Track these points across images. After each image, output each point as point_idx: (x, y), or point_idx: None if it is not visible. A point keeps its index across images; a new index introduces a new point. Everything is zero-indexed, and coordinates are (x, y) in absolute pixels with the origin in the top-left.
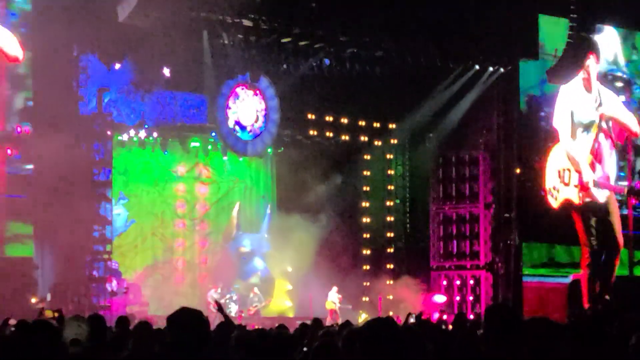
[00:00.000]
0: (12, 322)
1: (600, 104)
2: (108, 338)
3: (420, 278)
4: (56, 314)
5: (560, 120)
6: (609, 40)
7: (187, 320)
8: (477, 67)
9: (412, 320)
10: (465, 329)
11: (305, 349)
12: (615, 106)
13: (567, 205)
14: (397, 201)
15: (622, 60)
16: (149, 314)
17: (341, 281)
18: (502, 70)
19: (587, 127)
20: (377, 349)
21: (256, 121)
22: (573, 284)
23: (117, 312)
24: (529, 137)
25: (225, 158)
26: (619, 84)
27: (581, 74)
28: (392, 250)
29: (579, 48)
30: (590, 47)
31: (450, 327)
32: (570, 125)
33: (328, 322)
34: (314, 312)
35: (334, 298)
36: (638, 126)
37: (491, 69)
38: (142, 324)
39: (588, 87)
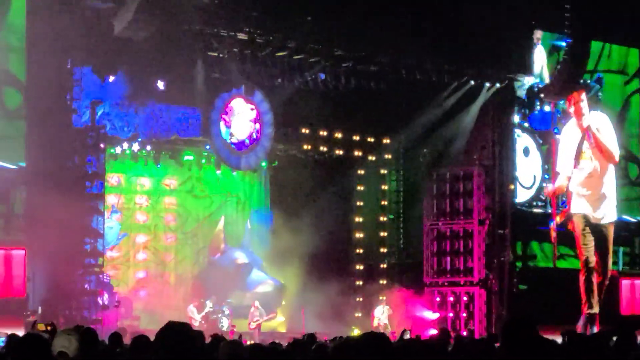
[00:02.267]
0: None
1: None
2: (98, 352)
3: (413, 294)
4: (49, 327)
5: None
6: (537, 55)
7: (174, 336)
8: (472, 82)
9: (407, 336)
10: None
11: None
12: (602, 131)
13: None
14: (391, 216)
15: (546, 74)
16: (140, 327)
17: (333, 296)
18: (497, 85)
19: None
20: None
21: (250, 135)
22: None
23: (108, 326)
24: None
25: (218, 172)
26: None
27: (572, 108)
28: (385, 266)
29: (574, 65)
30: (585, 65)
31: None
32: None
33: None
34: (305, 327)
35: (378, 314)
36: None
37: (487, 84)
38: (139, 338)
39: (579, 119)
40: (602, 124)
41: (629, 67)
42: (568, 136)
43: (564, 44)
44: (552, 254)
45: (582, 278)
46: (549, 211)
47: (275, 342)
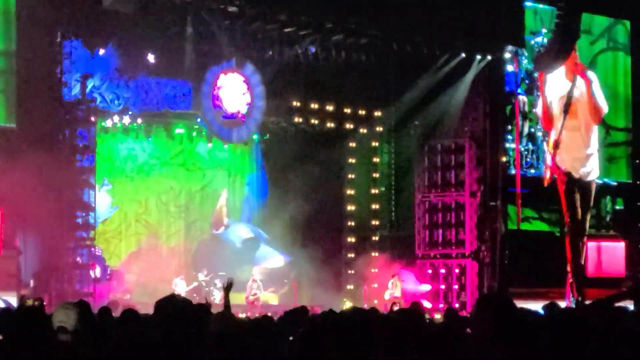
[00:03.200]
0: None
1: (573, 91)
2: (97, 325)
3: (405, 267)
4: (36, 303)
5: (540, 109)
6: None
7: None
8: (463, 54)
9: (396, 308)
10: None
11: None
12: (588, 90)
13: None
14: (383, 189)
15: None
16: (133, 300)
17: (325, 269)
18: (489, 57)
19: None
20: (358, 338)
21: (241, 108)
22: None
23: (101, 298)
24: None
25: (209, 145)
26: None
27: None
28: (377, 238)
29: (566, 37)
30: (576, 37)
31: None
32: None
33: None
34: (298, 300)
35: (390, 287)
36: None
37: (478, 56)
38: (128, 312)
39: (569, 75)
40: (594, 80)
41: (594, 27)
42: (554, 92)
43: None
44: (516, 217)
45: (567, 238)
46: (512, 172)
47: (268, 315)
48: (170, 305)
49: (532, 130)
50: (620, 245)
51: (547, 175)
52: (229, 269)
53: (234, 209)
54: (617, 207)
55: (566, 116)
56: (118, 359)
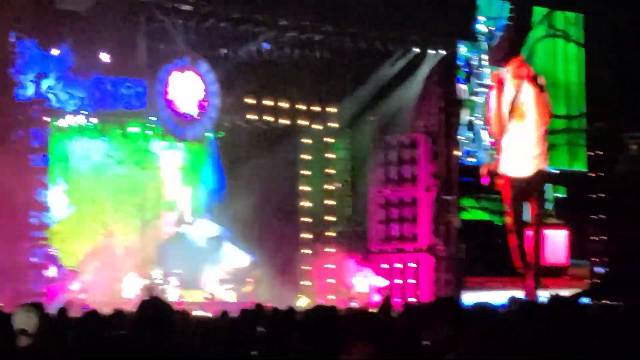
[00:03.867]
0: None
1: (520, 97)
2: (55, 326)
3: (361, 262)
4: None
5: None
6: None
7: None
8: (416, 50)
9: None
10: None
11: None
12: (538, 96)
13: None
14: (339, 185)
15: None
16: (89, 300)
17: (281, 266)
18: (442, 52)
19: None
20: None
21: (196, 106)
22: None
23: (55, 299)
24: None
25: (165, 143)
26: None
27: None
28: (333, 234)
29: (519, 29)
30: (529, 29)
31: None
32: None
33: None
34: (256, 297)
35: (357, 283)
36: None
37: (431, 51)
38: (90, 313)
39: (515, 80)
40: (544, 83)
41: (533, 15)
42: (500, 97)
43: None
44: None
45: (512, 239)
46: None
47: (226, 313)
48: (153, 308)
49: (471, 118)
50: (563, 234)
51: (484, 172)
52: (191, 267)
53: (192, 207)
54: (559, 195)
55: (511, 120)
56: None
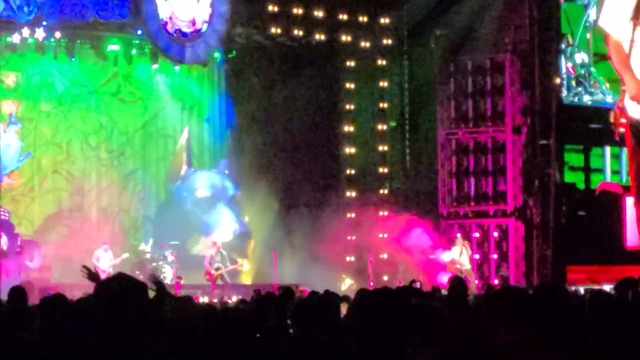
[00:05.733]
0: None
1: None
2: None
3: (425, 229)
4: None
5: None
6: None
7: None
8: None
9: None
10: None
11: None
12: None
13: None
14: (392, 124)
15: None
16: (53, 281)
17: (315, 234)
18: None
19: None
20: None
21: (198, 16)
22: None
23: (10, 278)
24: None
25: (154, 66)
26: None
27: None
28: (386, 191)
29: None
30: None
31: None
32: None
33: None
34: (279, 277)
35: (455, 256)
36: None
37: None
38: (51, 298)
39: None
40: None
41: None
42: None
43: None
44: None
45: (634, 202)
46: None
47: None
48: (113, 289)
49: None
50: None
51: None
52: (179, 238)
53: (189, 153)
54: None
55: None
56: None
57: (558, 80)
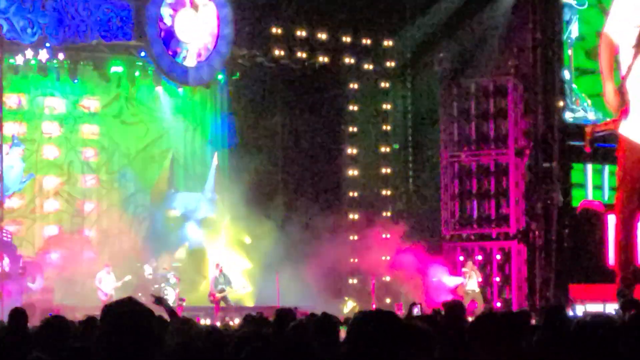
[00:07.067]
0: None
1: None
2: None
3: (427, 253)
4: None
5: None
6: None
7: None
8: None
9: (416, 311)
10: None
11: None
12: None
13: None
14: (396, 147)
15: None
16: (55, 303)
17: (320, 257)
18: None
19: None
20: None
21: (202, 38)
22: None
23: (12, 300)
24: None
25: (158, 88)
26: None
27: None
28: (389, 214)
29: None
30: None
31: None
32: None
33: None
34: (281, 299)
35: (466, 281)
36: None
37: None
38: (53, 319)
39: None
40: None
41: None
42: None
43: None
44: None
45: (617, 230)
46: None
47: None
48: (119, 314)
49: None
50: None
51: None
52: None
53: (191, 176)
54: None
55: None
56: None
57: (561, 103)
